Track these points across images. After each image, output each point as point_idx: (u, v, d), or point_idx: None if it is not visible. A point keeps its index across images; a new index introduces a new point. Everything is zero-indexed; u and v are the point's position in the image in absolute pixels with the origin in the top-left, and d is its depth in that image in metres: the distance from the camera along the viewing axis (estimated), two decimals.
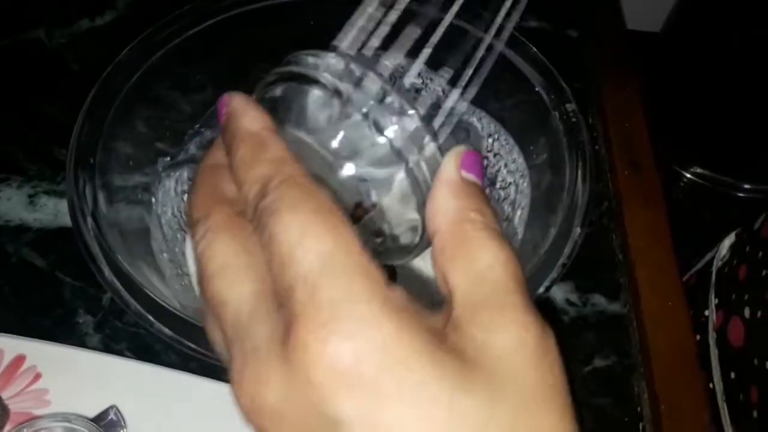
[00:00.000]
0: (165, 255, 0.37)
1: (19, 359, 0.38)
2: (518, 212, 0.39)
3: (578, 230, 0.31)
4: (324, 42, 0.44)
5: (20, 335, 0.39)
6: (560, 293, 0.46)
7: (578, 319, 0.45)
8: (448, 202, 0.22)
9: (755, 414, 0.45)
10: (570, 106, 0.36)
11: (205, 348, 0.27)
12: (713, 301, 0.54)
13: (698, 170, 1.06)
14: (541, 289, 0.30)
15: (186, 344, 0.27)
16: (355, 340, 0.17)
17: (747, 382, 0.47)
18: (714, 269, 0.57)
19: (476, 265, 0.20)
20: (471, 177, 0.23)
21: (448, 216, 0.22)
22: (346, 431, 0.17)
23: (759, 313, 0.47)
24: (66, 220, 0.47)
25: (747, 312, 0.48)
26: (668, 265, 0.47)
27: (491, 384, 0.18)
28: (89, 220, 0.31)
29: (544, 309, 0.45)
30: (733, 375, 0.48)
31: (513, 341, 0.19)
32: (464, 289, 0.20)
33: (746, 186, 1.02)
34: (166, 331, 0.28)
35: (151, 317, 0.28)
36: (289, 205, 0.19)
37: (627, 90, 0.57)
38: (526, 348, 0.19)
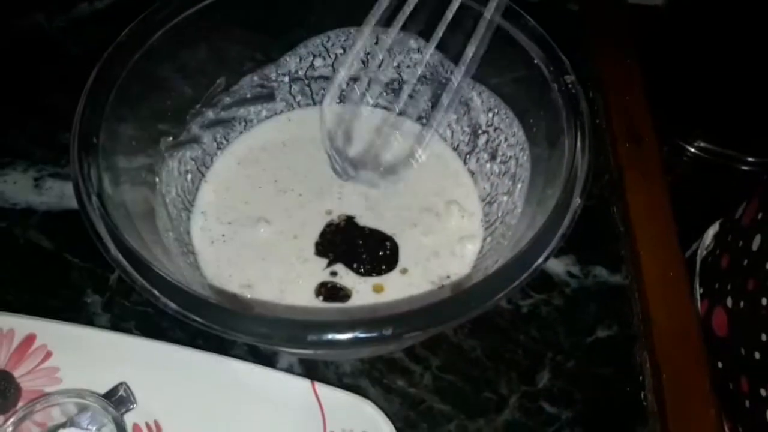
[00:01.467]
0: (170, 234, 0.38)
1: (30, 338, 0.39)
2: (518, 185, 0.39)
3: (578, 200, 0.32)
4: (324, 22, 0.44)
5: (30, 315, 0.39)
6: (562, 266, 0.46)
7: (580, 291, 0.45)
8: None
9: (747, 404, 0.45)
10: (569, 78, 0.36)
11: (210, 321, 0.28)
12: (698, 290, 0.54)
13: (702, 144, 1.05)
14: (541, 260, 0.30)
15: (192, 317, 0.28)
16: None
17: (736, 372, 0.47)
18: (698, 258, 0.57)
19: None
20: None
21: None
22: None
23: (741, 303, 0.47)
24: (71, 203, 0.48)
25: (729, 302, 0.48)
26: (669, 236, 0.47)
27: None
28: (94, 199, 0.32)
29: (545, 281, 0.46)
30: (720, 365, 0.49)
31: None
32: None
33: (750, 159, 1.02)
34: (172, 305, 0.28)
35: (156, 292, 0.29)
36: None
37: (627, 63, 0.56)
38: None
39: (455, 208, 0.43)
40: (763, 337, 0.44)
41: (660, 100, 0.59)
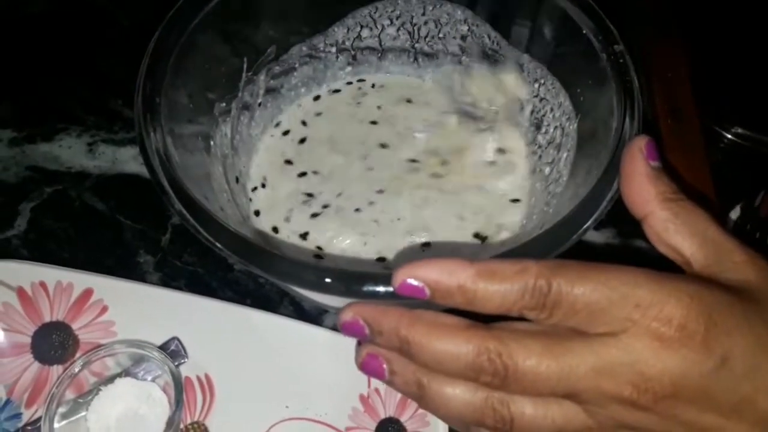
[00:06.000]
0: (225, 195, 0.39)
1: (88, 293, 0.40)
2: (564, 155, 0.40)
3: None
4: None
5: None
6: (602, 238, 0.46)
7: (620, 263, 0.45)
8: (649, 190, 0.28)
9: None
10: (618, 48, 0.36)
11: (266, 270, 0.29)
12: None
13: (739, 131, 1.04)
14: (590, 222, 0.31)
15: (247, 262, 0.29)
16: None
17: None
18: None
19: (696, 232, 0.27)
20: (657, 164, 0.29)
21: (655, 200, 0.28)
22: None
23: None
24: (124, 167, 0.49)
25: None
26: (709, 209, 0.47)
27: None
28: (156, 157, 0.33)
29: (586, 252, 0.46)
30: None
31: (756, 271, 0.26)
32: (698, 253, 0.27)
33: None
34: (236, 257, 0.29)
35: (219, 244, 0.30)
36: None
37: (671, 40, 0.56)
38: (764, 270, 0.26)
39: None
40: None
41: (698, 84, 0.58)
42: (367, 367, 0.27)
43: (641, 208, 0.29)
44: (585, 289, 0.24)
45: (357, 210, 0.42)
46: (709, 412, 0.25)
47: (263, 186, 0.44)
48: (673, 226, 0.28)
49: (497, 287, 0.24)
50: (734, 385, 0.24)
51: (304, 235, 0.41)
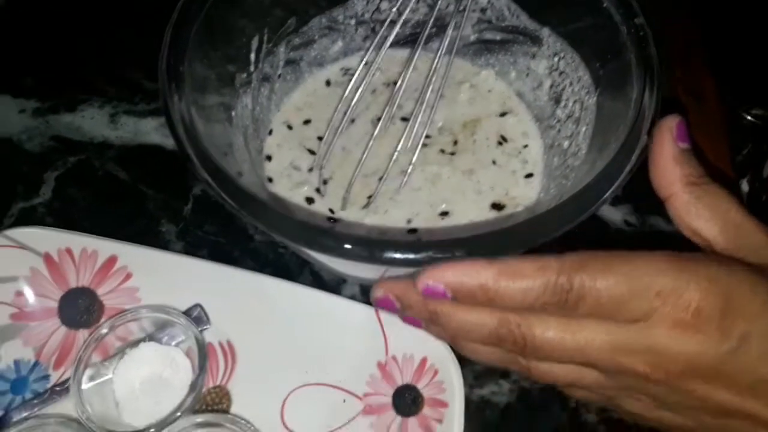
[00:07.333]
0: (246, 165, 0.40)
1: (112, 260, 0.41)
2: (582, 128, 0.40)
3: (645, 138, 0.32)
4: None
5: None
6: (619, 214, 0.47)
7: (635, 239, 0.46)
8: (674, 171, 0.29)
9: None
10: (639, 20, 0.36)
11: (285, 234, 0.30)
12: None
13: (759, 112, 1.03)
14: (608, 194, 0.31)
15: (267, 225, 0.30)
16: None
17: None
18: None
19: (718, 215, 0.28)
20: (685, 146, 0.30)
21: (679, 183, 0.29)
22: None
23: None
24: (145, 138, 0.50)
25: None
26: (728, 186, 0.47)
27: None
28: (181, 126, 0.33)
29: (603, 229, 0.46)
30: None
31: None
32: (719, 236, 0.28)
33: None
34: (253, 219, 0.30)
35: (243, 211, 0.30)
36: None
37: (688, 21, 0.56)
38: None
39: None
40: None
41: (717, 64, 0.58)
42: (380, 304, 0.30)
43: (665, 190, 0.29)
44: (608, 283, 0.25)
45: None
46: (722, 390, 0.26)
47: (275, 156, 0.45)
48: (695, 209, 0.28)
49: (519, 284, 0.25)
50: (750, 366, 0.25)
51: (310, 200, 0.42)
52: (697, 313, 0.25)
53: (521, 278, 0.25)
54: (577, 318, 0.26)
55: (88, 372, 0.38)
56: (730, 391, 0.26)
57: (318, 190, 0.43)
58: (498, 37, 0.45)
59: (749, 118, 1.10)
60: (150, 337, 0.40)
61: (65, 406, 0.38)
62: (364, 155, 0.42)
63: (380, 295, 0.29)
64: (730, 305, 0.25)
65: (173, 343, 0.40)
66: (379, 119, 0.45)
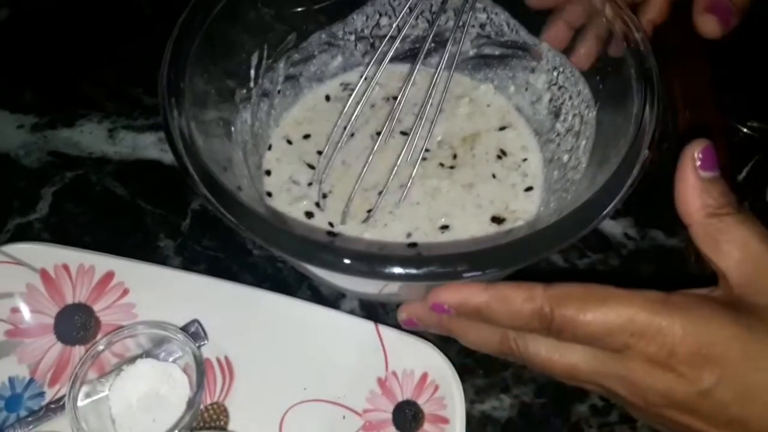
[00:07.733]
0: (245, 180, 0.39)
1: (109, 275, 0.41)
2: (582, 142, 0.40)
3: (646, 152, 0.32)
4: None
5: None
6: (620, 227, 0.47)
7: (636, 253, 0.46)
8: (694, 202, 0.29)
9: None
10: (638, 35, 0.36)
11: (285, 250, 0.29)
12: None
13: (755, 124, 1.03)
14: (609, 208, 0.31)
15: (267, 241, 0.29)
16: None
17: None
18: None
19: (734, 249, 0.28)
20: (709, 174, 0.29)
21: (697, 214, 0.29)
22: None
23: None
24: (144, 153, 0.50)
25: None
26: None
27: None
28: (180, 141, 0.33)
29: (604, 242, 0.46)
30: None
31: None
32: (734, 270, 0.28)
33: None
34: (252, 235, 0.30)
35: (242, 226, 0.30)
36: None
37: (689, 31, 0.56)
38: None
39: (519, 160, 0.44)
40: None
41: (714, 78, 0.58)
42: (406, 324, 0.35)
43: (685, 218, 0.30)
44: (586, 319, 0.27)
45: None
46: (700, 422, 0.27)
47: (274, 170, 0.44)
48: (712, 242, 0.29)
49: (508, 310, 0.29)
50: (723, 408, 0.26)
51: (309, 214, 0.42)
52: (670, 354, 0.26)
53: (511, 304, 0.28)
54: (565, 340, 0.29)
55: (84, 389, 0.37)
56: (709, 423, 0.27)
57: (318, 204, 0.42)
58: (497, 51, 0.45)
59: (745, 130, 1.10)
60: (147, 354, 0.39)
61: (60, 424, 0.38)
62: (364, 169, 0.42)
63: (404, 318, 0.35)
64: (704, 350, 0.26)
65: (170, 360, 0.39)
66: (378, 133, 0.45)
